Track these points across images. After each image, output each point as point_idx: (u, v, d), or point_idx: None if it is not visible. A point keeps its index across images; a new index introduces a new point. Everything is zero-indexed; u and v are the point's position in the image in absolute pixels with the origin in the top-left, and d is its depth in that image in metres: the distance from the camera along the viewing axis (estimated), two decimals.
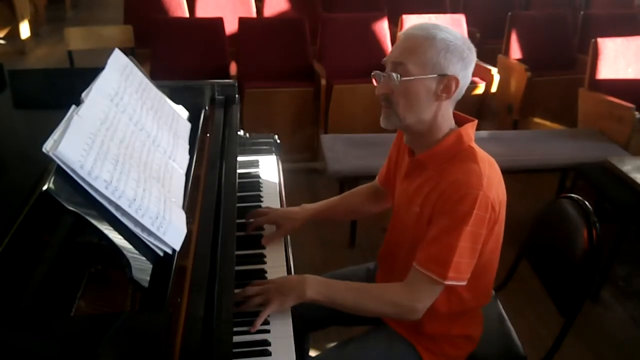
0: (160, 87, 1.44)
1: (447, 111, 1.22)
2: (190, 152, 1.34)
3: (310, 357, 1.46)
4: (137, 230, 0.96)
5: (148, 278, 0.93)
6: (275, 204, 1.62)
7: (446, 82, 1.16)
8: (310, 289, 1.19)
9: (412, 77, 1.15)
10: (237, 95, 1.78)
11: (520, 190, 3.27)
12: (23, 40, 5.85)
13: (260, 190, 1.69)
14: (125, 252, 0.91)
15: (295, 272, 1.36)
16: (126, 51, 2.60)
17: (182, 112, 1.50)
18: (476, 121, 1.25)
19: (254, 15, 4.29)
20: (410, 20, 3.69)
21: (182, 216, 1.07)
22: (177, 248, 1.01)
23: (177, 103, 1.50)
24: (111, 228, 0.92)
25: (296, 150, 3.53)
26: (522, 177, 3.32)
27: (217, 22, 3.62)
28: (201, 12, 4.20)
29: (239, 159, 1.55)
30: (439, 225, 1.16)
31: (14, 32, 5.83)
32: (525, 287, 2.08)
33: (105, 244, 0.91)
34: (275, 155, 1.90)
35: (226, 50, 3.63)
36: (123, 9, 4.19)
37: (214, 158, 1.42)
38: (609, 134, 3.04)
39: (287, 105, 3.43)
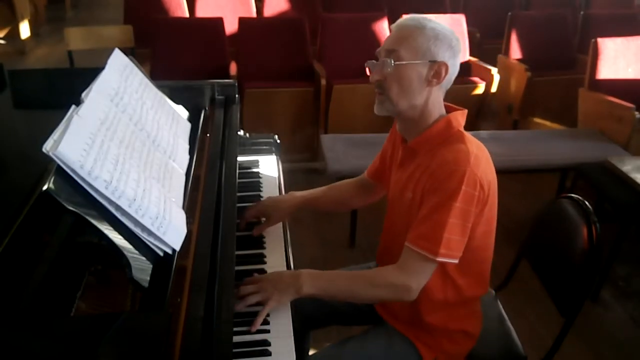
0: (160, 87, 1.44)
1: (437, 97, 1.26)
2: (190, 152, 1.34)
3: (310, 355, 1.46)
4: (137, 230, 0.96)
5: (148, 278, 0.93)
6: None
7: (436, 68, 1.21)
8: (306, 284, 1.20)
9: (404, 62, 1.21)
10: (237, 95, 1.78)
11: (520, 190, 3.28)
12: (23, 40, 5.85)
13: (260, 191, 1.69)
14: (125, 252, 0.91)
15: None
16: (126, 51, 2.60)
17: (182, 112, 1.50)
18: (466, 110, 1.29)
19: (254, 15, 4.29)
20: None
21: (182, 216, 1.08)
22: (177, 248, 1.01)
23: (177, 103, 1.50)
24: (111, 228, 0.92)
25: (296, 150, 3.53)
26: (522, 177, 3.33)
27: (217, 22, 3.62)
28: (201, 12, 4.20)
29: (239, 159, 1.55)
30: (429, 203, 1.19)
31: (14, 32, 5.83)
32: (525, 287, 2.08)
33: (105, 244, 0.91)
34: (275, 155, 1.90)
35: (226, 50, 3.63)
36: (123, 9, 4.19)
37: (214, 158, 1.41)
38: (609, 134, 3.04)
39: (287, 105, 3.43)
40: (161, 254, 0.99)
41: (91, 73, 1.17)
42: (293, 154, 3.42)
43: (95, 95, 1.09)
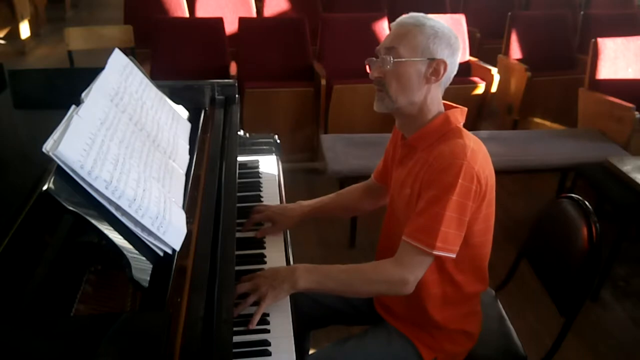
0: (160, 87, 1.44)
1: (436, 95, 1.27)
2: (190, 152, 1.34)
3: (310, 355, 1.46)
4: (137, 230, 0.96)
5: (148, 278, 0.93)
6: (275, 204, 1.62)
7: (435, 65, 1.22)
8: (301, 278, 1.20)
9: (403, 59, 1.22)
10: (237, 95, 1.78)
11: (520, 190, 3.28)
12: (23, 40, 5.85)
13: (260, 190, 1.69)
14: (125, 252, 0.91)
15: None
16: (126, 51, 2.61)
17: (182, 112, 1.50)
18: (465, 109, 1.30)
19: (254, 15, 4.29)
20: None
21: (182, 216, 1.08)
22: (177, 248, 1.01)
23: (177, 103, 1.50)
24: (111, 228, 0.92)
25: (296, 150, 3.53)
26: (522, 177, 3.33)
27: (217, 22, 3.62)
28: (201, 12, 4.20)
29: (239, 159, 1.55)
30: (426, 197, 1.19)
31: (14, 32, 5.83)
32: (525, 287, 2.08)
33: (105, 244, 0.91)
34: (275, 155, 1.90)
35: (226, 50, 3.63)
36: (123, 9, 4.19)
37: (214, 158, 1.41)
38: (609, 134, 3.04)
39: (287, 105, 3.43)
40: (161, 254, 0.99)
41: (91, 73, 1.17)
42: (293, 154, 3.42)
43: (95, 95, 1.09)
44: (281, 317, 1.20)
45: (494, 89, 3.60)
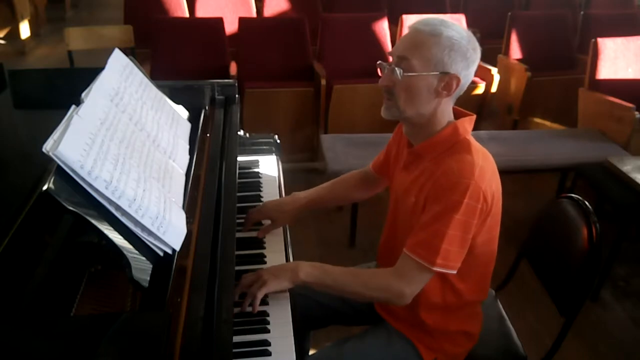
0: (160, 87, 1.44)
1: (446, 107, 1.24)
2: (190, 152, 1.34)
3: (310, 355, 1.46)
4: (137, 230, 0.96)
5: (148, 278, 0.93)
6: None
7: (447, 80, 1.18)
8: (302, 271, 1.22)
9: (414, 74, 1.18)
10: (237, 95, 1.78)
11: (520, 190, 3.27)
12: (23, 40, 5.85)
13: (260, 191, 1.69)
14: (125, 252, 0.91)
15: None
16: (126, 51, 2.61)
17: (182, 112, 1.50)
18: (474, 116, 1.28)
19: (254, 15, 4.29)
20: (410, 21, 3.68)
21: (182, 216, 1.08)
22: (177, 248, 1.01)
23: (177, 103, 1.50)
24: (111, 228, 0.92)
25: (296, 150, 3.53)
26: (522, 177, 3.32)
27: (217, 22, 3.62)
28: (201, 12, 4.19)
29: (239, 159, 1.55)
30: (430, 212, 1.18)
31: (14, 32, 5.82)
32: (525, 287, 2.08)
33: (105, 244, 0.91)
34: (275, 155, 1.90)
35: (226, 50, 3.63)
36: (123, 9, 4.19)
37: (214, 158, 1.42)
38: (609, 134, 3.04)
39: (287, 105, 3.43)
40: (161, 254, 0.99)
41: (91, 73, 1.17)
42: (293, 154, 3.42)
43: (95, 95, 1.09)
44: (281, 317, 1.20)
45: (494, 89, 3.60)
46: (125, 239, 0.94)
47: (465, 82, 1.21)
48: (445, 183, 1.16)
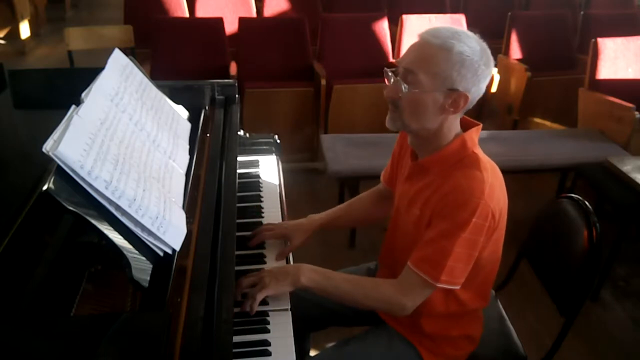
0: (160, 87, 1.44)
1: (454, 121, 1.21)
2: (190, 152, 1.34)
3: (311, 357, 1.46)
4: (137, 230, 0.96)
5: (148, 278, 0.93)
6: (275, 204, 1.62)
7: (455, 97, 1.13)
8: (305, 276, 1.21)
9: (420, 91, 1.13)
10: (237, 95, 1.78)
11: (520, 190, 3.27)
12: (23, 40, 5.84)
13: (260, 190, 1.69)
14: (125, 252, 0.91)
15: None
16: (126, 51, 2.61)
17: (182, 112, 1.50)
18: (481, 125, 1.25)
19: (254, 15, 4.29)
20: (410, 20, 3.69)
21: (182, 216, 1.08)
22: (177, 248, 1.01)
23: (177, 103, 1.50)
24: (111, 228, 0.92)
25: (296, 150, 3.53)
26: (522, 177, 3.32)
27: (217, 22, 3.62)
28: (201, 12, 4.19)
29: (239, 159, 1.55)
30: (437, 228, 1.16)
31: (14, 32, 5.82)
32: (525, 287, 2.08)
33: (105, 244, 0.91)
34: (275, 155, 1.90)
35: (226, 50, 3.63)
36: (123, 9, 4.19)
37: (214, 158, 1.41)
38: (609, 134, 3.04)
39: (287, 105, 3.43)
40: (161, 254, 0.99)
41: (91, 73, 1.17)
42: (293, 154, 3.42)
43: (95, 95, 1.09)
44: (281, 317, 1.20)
45: (494, 89, 3.61)
46: (125, 239, 0.94)
47: (474, 98, 1.16)
48: (453, 201, 1.13)
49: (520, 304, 2.27)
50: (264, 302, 1.21)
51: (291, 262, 1.41)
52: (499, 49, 4.04)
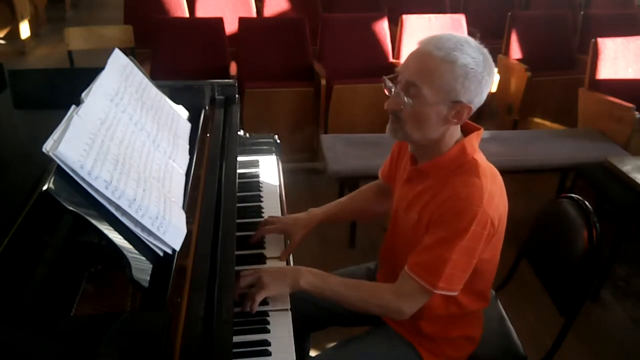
0: (160, 87, 1.44)
1: (455, 130, 1.20)
2: (190, 152, 1.34)
3: (311, 357, 1.46)
4: (137, 230, 0.96)
5: (148, 278, 0.93)
6: (275, 204, 1.62)
7: (459, 109, 1.13)
8: (303, 278, 1.21)
9: (423, 104, 1.12)
10: (237, 95, 1.78)
11: (520, 190, 3.27)
12: (23, 40, 5.84)
13: (260, 190, 1.69)
14: (125, 252, 0.91)
15: None
16: (126, 51, 2.61)
17: (182, 112, 1.50)
18: (482, 130, 1.24)
19: (254, 15, 4.29)
20: (410, 20, 3.70)
21: (182, 216, 1.07)
22: (177, 248, 1.01)
23: (177, 103, 1.50)
24: (111, 228, 0.92)
25: (296, 150, 3.53)
26: (522, 177, 3.32)
27: (217, 22, 3.62)
28: (201, 12, 4.19)
29: (239, 159, 1.55)
30: (435, 235, 1.15)
31: (14, 32, 5.82)
32: (525, 287, 2.08)
33: (105, 244, 0.91)
34: (275, 155, 1.90)
35: (226, 50, 3.63)
36: (123, 9, 4.19)
37: (214, 158, 1.41)
38: (609, 134, 3.04)
39: (287, 105, 3.43)
40: (161, 254, 0.99)
41: (91, 73, 1.17)
42: (293, 154, 3.42)
43: (95, 95, 1.09)
44: (281, 317, 1.20)
45: (493, 89, 3.60)
46: (125, 239, 0.94)
47: (477, 107, 1.16)
48: (452, 208, 1.13)
49: (520, 304, 2.27)
50: (264, 302, 1.21)
51: (291, 262, 1.40)
52: (499, 49, 4.04)
